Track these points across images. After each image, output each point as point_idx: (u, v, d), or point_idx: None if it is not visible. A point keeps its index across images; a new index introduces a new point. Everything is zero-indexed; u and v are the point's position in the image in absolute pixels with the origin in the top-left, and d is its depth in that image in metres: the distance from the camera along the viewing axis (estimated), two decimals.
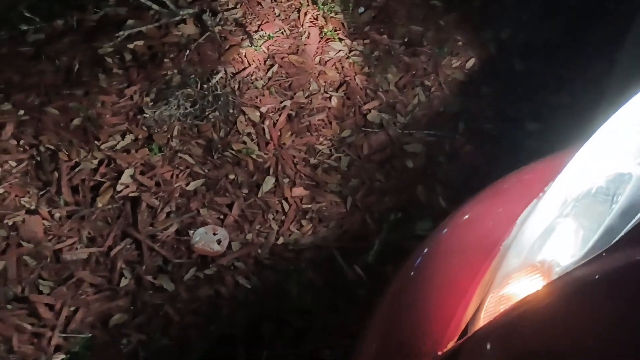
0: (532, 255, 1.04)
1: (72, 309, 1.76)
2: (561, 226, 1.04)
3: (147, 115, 2.16)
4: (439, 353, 0.99)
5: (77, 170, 2.01)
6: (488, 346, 0.89)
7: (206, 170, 2.08)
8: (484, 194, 1.30)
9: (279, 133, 2.21)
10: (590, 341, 0.77)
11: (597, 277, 0.88)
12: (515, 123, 2.31)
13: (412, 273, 1.15)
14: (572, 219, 1.03)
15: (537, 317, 0.86)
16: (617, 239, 0.92)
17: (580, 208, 1.03)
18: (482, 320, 1.02)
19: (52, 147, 2.04)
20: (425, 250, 1.16)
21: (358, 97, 2.34)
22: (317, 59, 2.43)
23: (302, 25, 2.49)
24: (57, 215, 1.91)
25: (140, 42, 2.32)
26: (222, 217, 2.00)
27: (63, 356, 1.69)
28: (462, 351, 0.94)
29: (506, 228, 1.13)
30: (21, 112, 2.11)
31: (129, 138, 2.11)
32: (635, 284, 0.81)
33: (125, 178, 2.01)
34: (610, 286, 0.84)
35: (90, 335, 1.73)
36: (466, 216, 1.21)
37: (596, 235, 0.96)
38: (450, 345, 1.00)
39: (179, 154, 2.10)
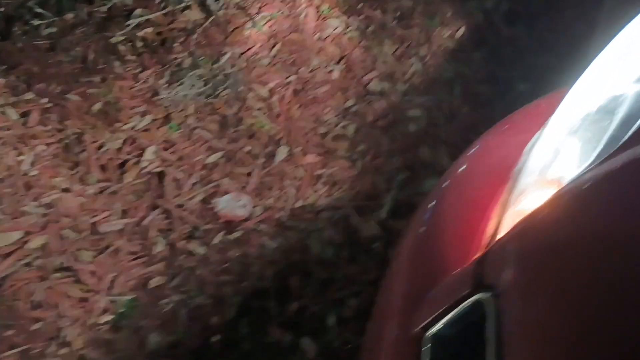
0: (543, 173, 1.19)
1: (114, 274, 1.90)
2: (568, 145, 1.19)
3: (163, 97, 2.29)
4: (467, 264, 1.14)
5: (103, 150, 2.14)
6: (508, 247, 1.01)
7: (223, 144, 2.22)
8: (493, 130, 1.46)
9: (287, 106, 2.35)
10: (586, 234, 0.88)
11: (593, 181, 1.01)
12: (506, 84, 2.48)
13: (438, 196, 1.30)
14: (577, 138, 1.18)
15: (544, 219, 0.99)
16: (617, 146, 1.08)
17: (584, 126, 1.17)
18: (502, 233, 1.16)
19: (77, 131, 2.17)
20: (449, 177, 1.31)
21: (358, 69, 2.49)
22: (317, 36, 2.57)
23: (300, 6, 2.62)
24: (89, 191, 2.04)
25: (150, 29, 2.45)
26: (243, 185, 2.14)
27: (111, 317, 1.83)
28: (487, 257, 1.07)
29: (517, 155, 1.28)
30: (44, 100, 2.23)
31: (148, 118, 2.24)
32: (625, 183, 0.95)
33: (149, 155, 2.14)
34: (603, 187, 0.98)
35: (133, 297, 1.87)
36: (482, 146, 1.37)
37: (600, 145, 1.11)
38: (476, 257, 1.14)
39: (197, 130, 2.23)
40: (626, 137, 1.06)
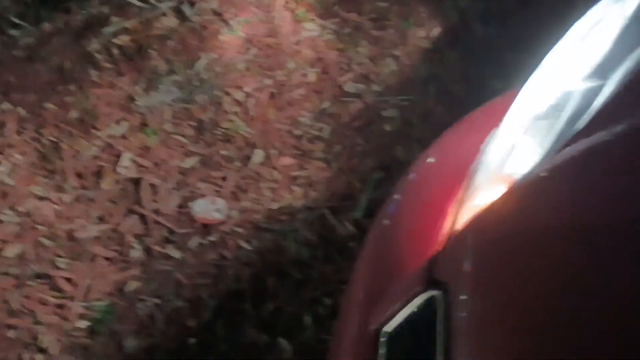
0: (498, 170, 1.21)
1: (90, 280, 1.91)
2: (521, 142, 1.21)
3: (139, 103, 2.31)
4: (425, 263, 1.16)
5: (79, 158, 2.15)
6: (457, 245, 1.02)
7: (199, 149, 2.24)
8: (453, 128, 1.48)
9: (263, 110, 2.37)
10: (532, 228, 0.90)
11: (542, 174, 1.04)
12: (480, 83, 2.50)
13: (402, 191, 1.32)
14: (529, 135, 1.20)
15: (498, 212, 1.01)
16: (564, 143, 1.10)
17: (536, 124, 1.20)
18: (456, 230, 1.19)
19: (53, 139, 2.19)
20: (409, 177, 1.34)
21: (334, 71, 2.51)
22: (292, 39, 2.59)
23: (275, 10, 2.65)
24: (65, 199, 2.06)
25: (126, 37, 2.46)
26: (218, 189, 2.16)
27: (87, 322, 1.85)
28: (439, 255, 1.10)
29: (475, 153, 1.31)
30: (20, 109, 2.25)
31: (124, 125, 2.26)
32: (567, 179, 0.98)
33: (125, 161, 2.16)
34: (550, 180, 1.00)
35: (109, 302, 1.89)
36: (439, 148, 1.39)
37: (548, 143, 1.14)
38: (431, 254, 1.17)
39: (173, 136, 2.25)
40: (571, 133, 1.09)
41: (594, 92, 1.15)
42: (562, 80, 1.23)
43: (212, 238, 2.04)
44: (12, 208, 2.01)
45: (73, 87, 2.34)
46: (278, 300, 1.93)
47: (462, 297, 0.93)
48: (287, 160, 2.25)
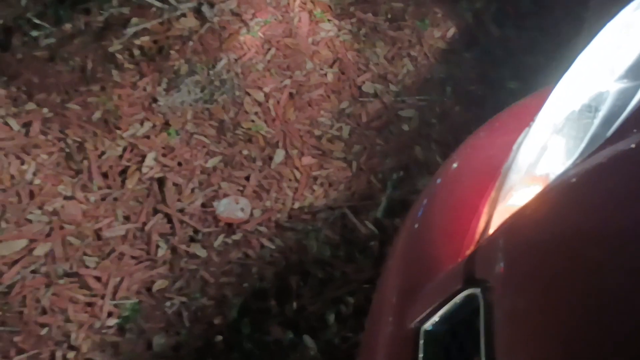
0: (531, 170, 1.24)
1: (118, 279, 1.94)
2: (553, 142, 1.23)
3: (161, 104, 2.34)
4: (459, 260, 1.18)
5: (104, 157, 2.18)
6: (497, 243, 1.03)
7: (221, 148, 2.27)
8: (481, 130, 1.51)
9: (283, 110, 2.40)
10: (570, 228, 0.93)
11: (573, 179, 1.06)
12: (497, 83, 2.54)
13: (430, 194, 1.35)
14: (562, 135, 1.23)
15: (531, 215, 1.03)
16: (600, 143, 1.13)
17: (569, 125, 1.22)
18: (492, 229, 1.21)
19: (78, 139, 2.21)
20: (440, 176, 1.36)
21: (351, 71, 2.54)
22: (310, 40, 2.62)
23: (293, 10, 2.67)
24: (92, 198, 2.08)
25: (146, 38, 2.49)
26: (241, 188, 2.18)
27: (116, 320, 1.87)
28: (477, 253, 1.12)
29: (506, 154, 1.33)
30: (45, 110, 2.27)
31: (147, 125, 2.28)
32: (606, 180, 1.00)
33: (149, 161, 2.19)
34: (582, 185, 1.02)
35: (137, 300, 1.92)
36: (472, 145, 1.42)
37: (583, 144, 1.16)
38: (467, 253, 1.19)
39: (195, 136, 2.28)
40: (608, 134, 1.12)
41: (628, 93, 1.18)
42: (594, 80, 1.25)
43: (236, 237, 2.07)
44: (40, 208, 2.03)
45: (95, 87, 2.36)
46: (301, 299, 1.96)
47: (504, 295, 0.95)
48: (307, 160, 2.28)
